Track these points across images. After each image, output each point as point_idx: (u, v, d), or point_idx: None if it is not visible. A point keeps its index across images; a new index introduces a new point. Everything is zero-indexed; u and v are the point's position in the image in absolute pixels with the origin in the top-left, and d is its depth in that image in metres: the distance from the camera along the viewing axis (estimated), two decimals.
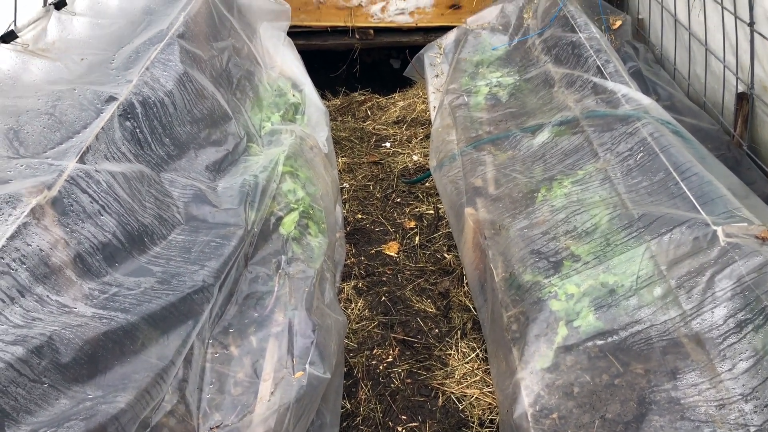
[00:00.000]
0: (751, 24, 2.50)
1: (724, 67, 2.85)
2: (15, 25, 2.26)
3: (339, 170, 3.77)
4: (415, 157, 3.97)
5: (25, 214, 1.60)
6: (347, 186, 3.71)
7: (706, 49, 3.01)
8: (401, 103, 4.61)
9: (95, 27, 2.64)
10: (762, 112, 2.62)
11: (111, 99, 2.15)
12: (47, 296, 1.55)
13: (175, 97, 2.41)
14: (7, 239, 1.52)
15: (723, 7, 2.73)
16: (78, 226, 1.72)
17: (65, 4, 2.59)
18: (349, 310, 2.77)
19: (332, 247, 2.73)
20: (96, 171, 1.86)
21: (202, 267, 1.95)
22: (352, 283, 2.94)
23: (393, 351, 2.57)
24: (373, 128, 4.35)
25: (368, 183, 3.74)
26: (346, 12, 4.84)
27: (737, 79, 2.74)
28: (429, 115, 4.22)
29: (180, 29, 2.68)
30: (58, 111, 2.03)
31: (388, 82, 5.02)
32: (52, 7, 2.51)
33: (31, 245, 1.57)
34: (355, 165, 3.92)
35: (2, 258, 1.49)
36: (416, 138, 4.17)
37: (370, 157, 3.99)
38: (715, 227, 1.86)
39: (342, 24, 4.88)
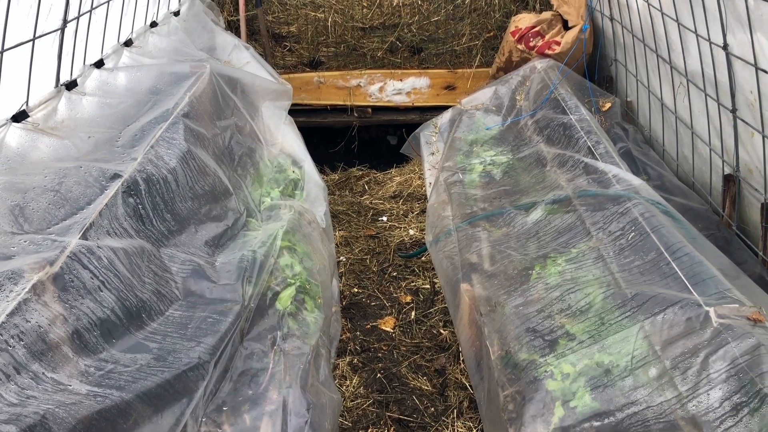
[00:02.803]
0: (734, 110, 2.61)
1: (710, 150, 2.95)
2: (27, 104, 2.35)
3: (336, 244, 3.81)
4: (411, 232, 4.02)
5: (26, 290, 1.62)
6: (344, 259, 3.74)
7: (693, 133, 3.12)
8: (398, 179, 4.71)
9: (103, 106, 2.74)
10: (749, 193, 2.70)
11: (116, 176, 2.21)
12: (43, 373, 1.55)
13: (178, 174, 2.48)
14: (7, 315, 1.53)
15: (706, 94, 2.85)
16: (78, 302, 1.74)
17: (76, 85, 2.70)
18: (344, 387, 2.74)
19: (328, 322, 2.73)
20: (98, 247, 1.90)
21: (198, 343, 1.95)
22: (348, 358, 2.93)
23: (388, 431, 2.53)
24: (371, 203, 4.42)
25: (365, 257, 3.78)
26: (345, 91, 5.02)
27: (723, 161, 2.83)
28: (425, 191, 4.30)
29: (185, 109, 2.78)
30: (63, 188, 2.08)
31: (385, 158, 5.14)
32: (63, 87, 2.61)
33: (30, 321, 1.58)
34: (353, 238, 3.96)
35: (1, 335, 1.50)
36: (413, 213, 4.24)
37: (367, 231, 4.04)
38: (707, 308, 1.89)
39: (341, 103, 5.05)
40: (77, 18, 2.69)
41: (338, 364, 2.88)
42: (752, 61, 2.36)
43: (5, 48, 2.14)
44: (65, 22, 2.57)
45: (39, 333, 1.59)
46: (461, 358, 2.85)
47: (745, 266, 2.51)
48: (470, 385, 2.68)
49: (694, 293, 1.99)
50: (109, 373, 1.68)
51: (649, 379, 1.91)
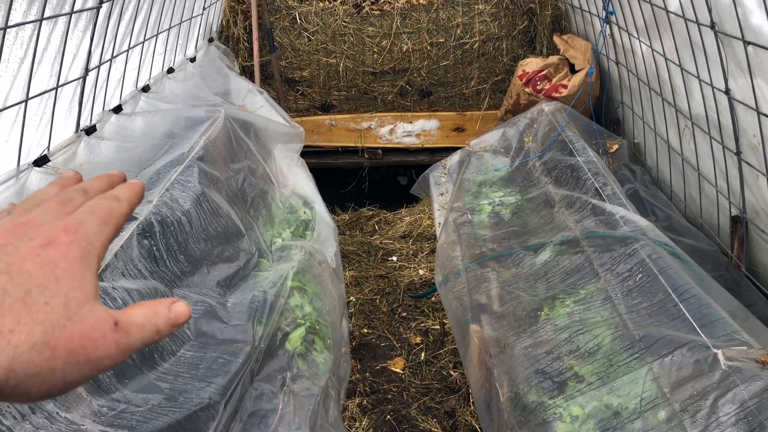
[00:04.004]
0: (738, 153, 2.64)
1: (717, 191, 2.97)
2: (48, 149, 2.43)
3: (346, 283, 3.84)
4: (421, 272, 4.04)
5: None
6: (354, 299, 3.76)
7: (699, 174, 3.16)
8: (408, 219, 4.76)
9: (120, 150, 2.83)
10: (756, 235, 2.71)
11: (131, 218, 2.27)
12: (57, 413, 1.58)
13: (192, 216, 2.54)
14: None
15: (711, 137, 2.90)
16: None
17: (95, 130, 2.79)
18: (354, 429, 2.74)
19: (337, 363, 2.74)
20: (113, 288, 1.94)
21: (209, 384, 1.98)
22: (357, 400, 2.92)
23: None
24: (381, 242, 4.46)
25: (375, 297, 3.80)
26: (356, 134, 5.12)
27: (730, 202, 2.85)
28: (435, 231, 4.34)
29: (200, 152, 2.86)
30: None
31: (395, 198, 5.21)
32: (83, 132, 2.71)
33: None
34: (362, 278, 3.99)
35: None
36: (422, 252, 4.26)
37: (377, 271, 4.07)
38: (715, 350, 1.89)
39: (352, 144, 5.14)
40: (98, 66, 2.80)
41: (348, 405, 2.87)
42: (754, 106, 2.41)
43: (30, 96, 2.23)
44: (87, 70, 2.68)
45: None
46: (471, 400, 2.84)
47: (755, 308, 2.50)
48: (480, 428, 2.67)
49: (702, 335, 2.00)
50: (122, 413, 1.71)
51: (658, 421, 1.90)
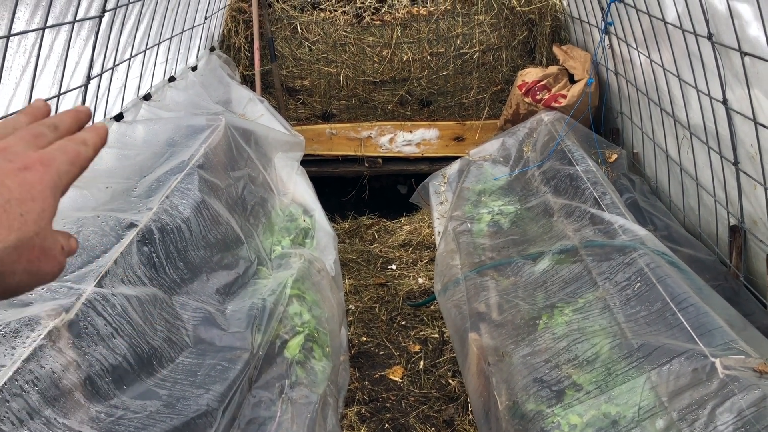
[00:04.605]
0: (736, 163, 2.66)
1: (715, 201, 2.98)
2: None
3: (345, 292, 3.84)
4: (420, 280, 4.05)
5: (42, 336, 1.67)
6: (353, 308, 3.76)
7: (698, 184, 3.17)
8: (407, 227, 4.77)
9: (121, 158, 2.84)
10: (754, 244, 2.72)
11: (131, 225, 2.28)
12: (55, 419, 1.58)
13: (192, 223, 2.55)
14: (23, 361, 1.58)
15: (709, 147, 2.91)
16: (91, 348, 1.78)
17: None
18: None
19: (336, 371, 2.74)
20: (112, 294, 1.95)
21: (207, 391, 1.98)
22: (355, 408, 2.92)
23: None
24: (380, 251, 4.47)
25: (374, 305, 3.80)
26: (356, 142, 5.14)
27: (728, 212, 2.86)
28: (434, 239, 4.35)
29: (200, 160, 2.87)
30: (81, 236, 2.15)
31: (395, 207, 5.22)
32: None
33: (44, 367, 1.62)
34: (362, 287, 3.99)
35: (16, 380, 1.54)
36: (422, 261, 4.27)
37: (377, 280, 4.07)
38: (713, 359, 1.89)
39: (352, 153, 5.16)
40: (100, 75, 2.82)
41: (346, 413, 2.87)
42: (751, 116, 2.42)
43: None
44: (89, 79, 2.70)
45: (53, 379, 1.63)
46: (470, 409, 2.84)
47: (753, 317, 2.51)
48: None
49: (700, 344, 2.00)
50: (119, 420, 1.71)
51: (656, 430, 1.90)
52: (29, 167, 0.53)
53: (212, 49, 4.84)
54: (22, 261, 0.51)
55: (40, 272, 0.53)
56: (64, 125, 0.61)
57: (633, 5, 3.47)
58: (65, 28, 2.42)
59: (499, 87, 5.13)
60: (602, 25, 4.05)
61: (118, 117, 3.10)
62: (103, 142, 0.62)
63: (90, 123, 0.63)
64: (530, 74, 4.60)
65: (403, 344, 3.43)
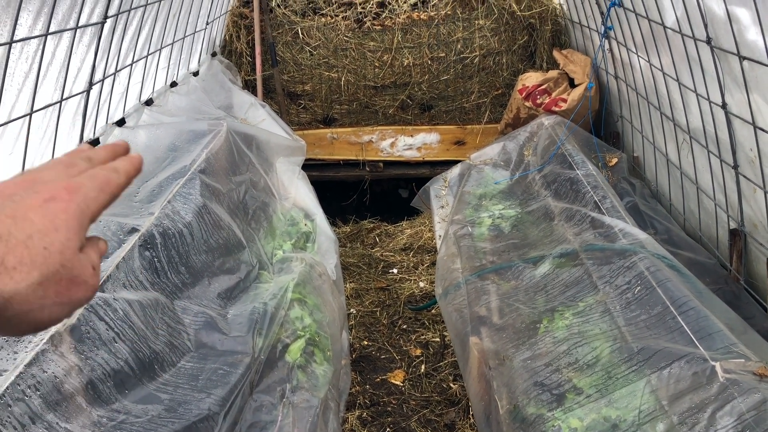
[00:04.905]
0: (736, 167, 2.66)
1: (715, 205, 2.99)
2: None
3: (346, 296, 3.85)
4: (421, 284, 4.05)
5: (44, 341, 1.68)
6: (354, 312, 3.77)
7: (698, 188, 3.17)
8: (409, 231, 4.78)
9: None
10: (755, 248, 2.72)
11: (133, 230, 2.29)
12: (57, 423, 1.59)
13: (193, 228, 2.56)
14: (25, 366, 1.59)
15: (709, 151, 2.92)
16: (93, 353, 1.79)
17: (98, 143, 2.82)
18: None
19: (337, 375, 2.75)
20: (114, 299, 1.96)
21: (209, 395, 1.98)
22: (357, 412, 2.92)
23: None
24: (381, 255, 4.48)
25: (375, 309, 3.80)
26: (357, 147, 5.15)
27: (728, 216, 2.87)
28: (435, 243, 4.35)
29: (202, 165, 2.88)
30: None
31: (396, 211, 5.23)
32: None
33: (46, 372, 1.63)
34: (363, 291, 4.00)
35: (18, 385, 1.55)
36: (423, 265, 4.28)
37: (378, 283, 4.08)
38: (713, 363, 1.90)
39: (354, 157, 5.18)
40: (102, 80, 2.84)
41: (347, 417, 2.87)
42: (750, 120, 2.43)
43: (34, 110, 2.26)
44: (91, 84, 2.71)
45: (54, 383, 1.64)
46: (471, 413, 2.84)
47: (753, 321, 2.51)
48: None
49: (700, 348, 2.00)
50: (121, 424, 1.72)
51: None
52: (55, 197, 0.53)
53: (214, 54, 4.86)
54: (50, 295, 0.51)
55: (71, 302, 0.53)
56: (98, 157, 0.61)
57: (632, 10, 3.48)
58: (67, 35, 2.43)
59: (499, 91, 5.14)
60: (602, 29, 4.06)
61: (120, 122, 3.12)
62: (136, 170, 0.61)
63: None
64: (531, 78, 4.61)
65: (405, 348, 3.43)
